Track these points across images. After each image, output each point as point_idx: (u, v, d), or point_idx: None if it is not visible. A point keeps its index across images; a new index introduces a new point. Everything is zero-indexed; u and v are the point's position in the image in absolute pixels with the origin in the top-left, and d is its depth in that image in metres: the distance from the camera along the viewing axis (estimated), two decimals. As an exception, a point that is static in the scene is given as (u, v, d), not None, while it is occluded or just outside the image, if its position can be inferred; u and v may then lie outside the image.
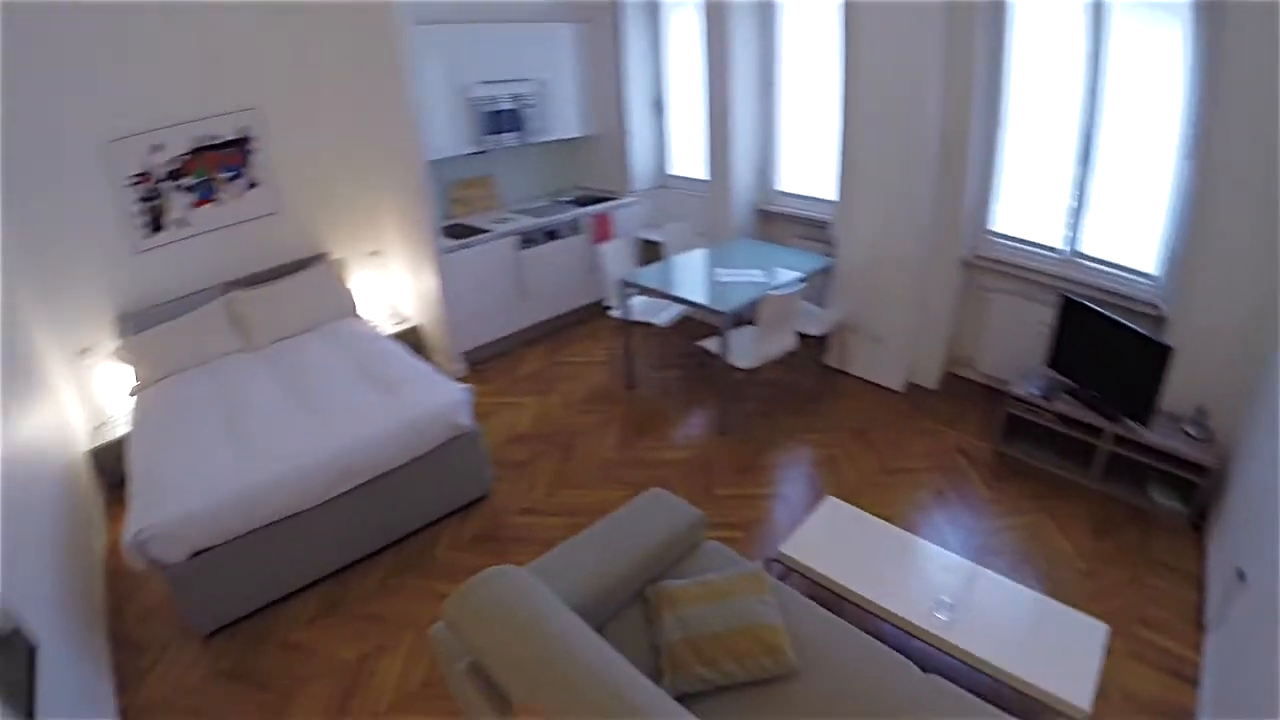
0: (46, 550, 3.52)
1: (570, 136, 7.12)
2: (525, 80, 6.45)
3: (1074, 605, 3.18)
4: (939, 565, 3.37)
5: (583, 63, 6.93)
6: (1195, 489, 4.19)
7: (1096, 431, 4.45)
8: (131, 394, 4.96)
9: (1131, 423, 4.32)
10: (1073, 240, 4.95)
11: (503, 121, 6.35)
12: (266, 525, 3.75)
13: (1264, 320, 3.96)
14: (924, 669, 2.59)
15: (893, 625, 3.10)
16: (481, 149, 6.33)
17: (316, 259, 5.93)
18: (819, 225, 6.09)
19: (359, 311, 5.87)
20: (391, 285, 6.56)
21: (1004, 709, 2.41)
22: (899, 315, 5.48)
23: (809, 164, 6.31)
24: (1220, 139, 3.95)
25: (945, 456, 4.87)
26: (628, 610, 2.85)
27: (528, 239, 6.38)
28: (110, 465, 4.93)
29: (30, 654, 2.74)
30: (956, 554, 3.51)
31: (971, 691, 2.50)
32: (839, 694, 2.46)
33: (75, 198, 4.91)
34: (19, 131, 4.59)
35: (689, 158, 7.21)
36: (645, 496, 3.26)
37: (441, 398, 4.32)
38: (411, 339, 6.22)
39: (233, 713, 3.39)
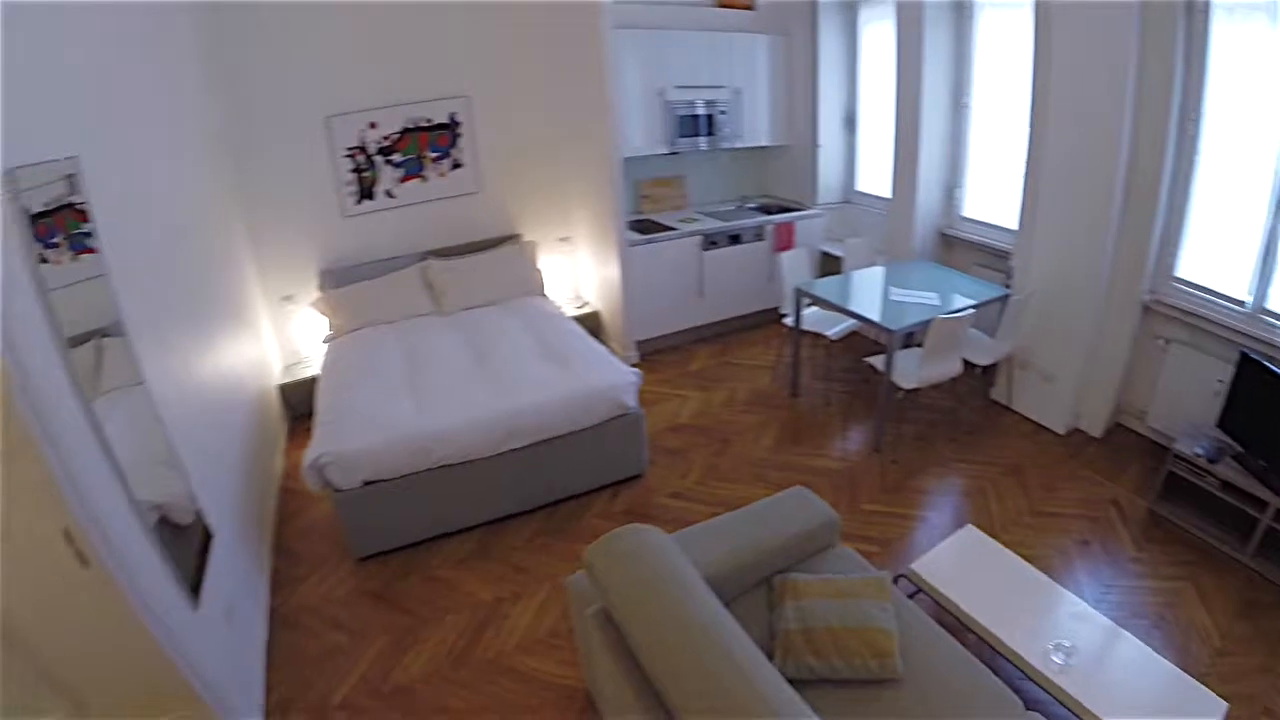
0: (234, 461, 4.11)
1: (760, 145, 7.30)
2: (720, 87, 6.69)
3: (1201, 680, 3.05)
4: (1066, 611, 3.29)
5: (777, 74, 7.09)
6: None
7: (1259, 503, 4.08)
8: (325, 341, 5.58)
9: None
10: (1260, 294, 4.55)
11: (696, 125, 6.61)
12: (433, 469, 4.16)
13: None
14: (1027, 707, 2.58)
15: (1007, 660, 3.07)
16: (673, 150, 6.60)
17: (510, 239, 6.42)
18: (999, 254, 6.01)
19: (545, 292, 6.29)
20: (576, 270, 6.95)
21: None
22: (1070, 355, 5.31)
23: (994, 190, 6.17)
24: None
25: (1097, 507, 4.69)
26: (753, 593, 3.00)
27: (711, 240, 6.60)
28: (295, 400, 5.71)
29: (206, 540, 3.24)
30: (1088, 605, 3.39)
31: None
32: (935, 711, 2.50)
33: (296, 164, 5.65)
34: (253, 103, 5.38)
35: (875, 175, 7.22)
36: (789, 492, 3.41)
37: (612, 378, 4.61)
38: (590, 323, 6.56)
39: (372, 626, 3.82)
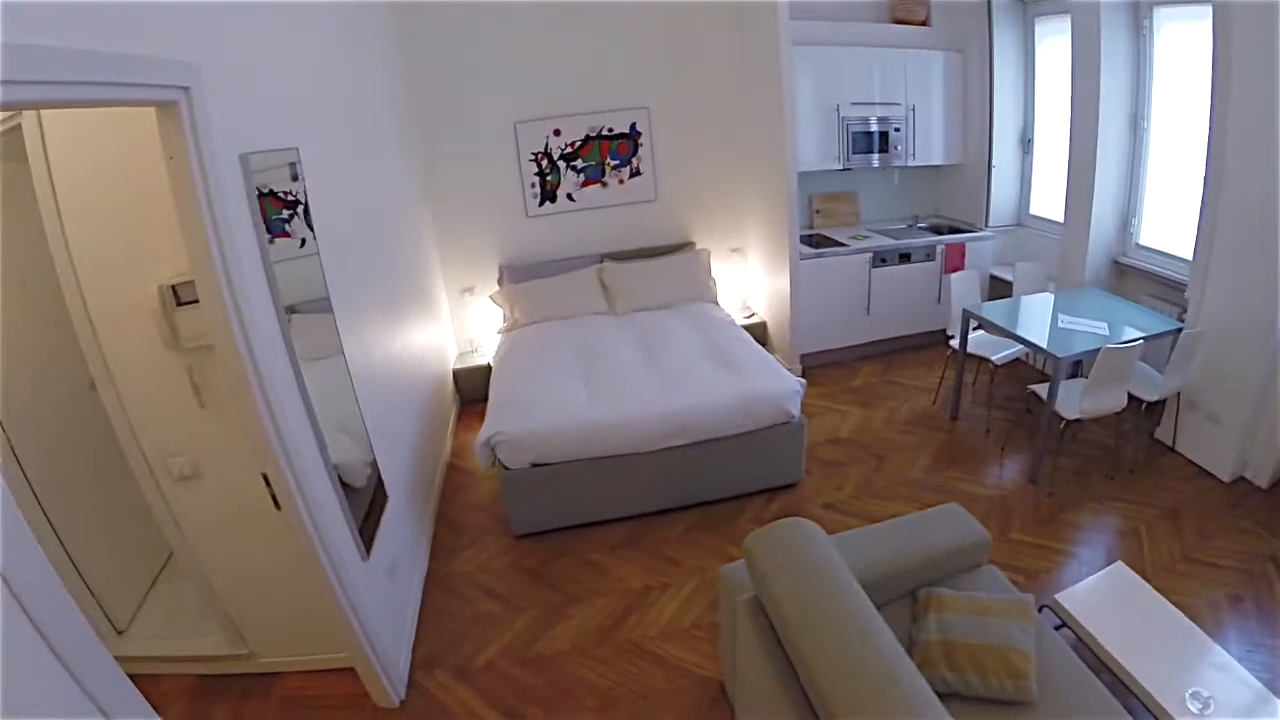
0: (410, 433, 4.61)
1: (933, 164, 7.35)
2: (894, 104, 6.80)
3: None
4: (1209, 661, 3.21)
5: (951, 91, 7.13)
6: None
7: None
8: (500, 332, 6.08)
9: None
10: None
11: (869, 142, 6.75)
12: (599, 458, 4.49)
13: None
14: None
15: (1141, 702, 3.05)
16: (846, 166, 6.75)
17: (684, 246, 6.75)
18: (1174, 286, 5.81)
19: (717, 299, 6.58)
20: (746, 280, 7.22)
21: None
22: (1241, 398, 5.05)
23: (1172, 218, 5.95)
24: None
25: (1255, 561, 4.49)
26: (898, 603, 3.14)
27: (880, 258, 6.71)
28: (466, 386, 6.31)
29: (383, 504, 3.71)
30: (1232, 658, 3.29)
31: None
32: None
33: (485, 165, 6.21)
34: (446, 107, 5.99)
35: (1049, 198, 7.12)
36: (943, 508, 3.53)
37: (778, 385, 4.82)
38: (756, 333, 6.76)
39: (523, 598, 4.19)
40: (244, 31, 2.81)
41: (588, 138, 6.34)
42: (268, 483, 2.74)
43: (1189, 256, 5.49)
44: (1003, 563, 4.19)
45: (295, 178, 3.05)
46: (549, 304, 6.13)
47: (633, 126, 6.43)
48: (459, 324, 6.61)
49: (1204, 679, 3.09)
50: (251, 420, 2.61)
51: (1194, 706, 2.94)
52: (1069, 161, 6.23)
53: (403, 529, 4.08)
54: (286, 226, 2.95)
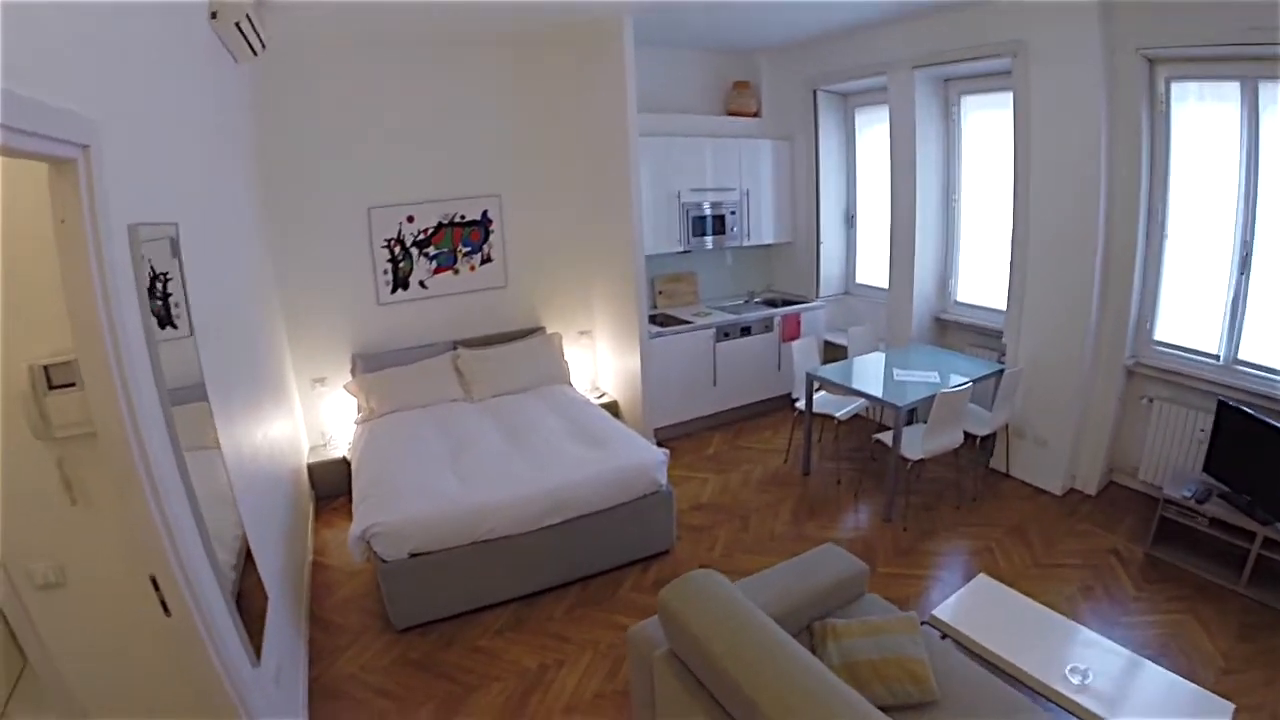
0: (279, 531, 4.36)
1: (766, 243, 7.83)
2: (729, 189, 7.25)
3: None
4: (1078, 640, 3.58)
5: (781, 175, 7.69)
6: None
7: (1248, 535, 4.50)
8: (356, 423, 5.94)
9: None
10: (1231, 346, 5.14)
11: (707, 225, 7.13)
12: (478, 542, 4.44)
13: None
14: None
15: (1026, 686, 3.29)
16: (687, 248, 7.10)
17: (535, 331, 6.84)
18: (992, 334, 6.43)
19: (570, 380, 6.67)
20: (596, 362, 7.37)
21: None
22: (1062, 420, 5.77)
23: (984, 275, 6.68)
24: None
25: (1097, 557, 5.04)
26: (796, 639, 3.20)
27: (723, 332, 7.03)
28: (322, 480, 6.08)
29: (264, 605, 3.44)
30: (1097, 635, 3.68)
31: None
32: (973, 722, 2.75)
33: (336, 251, 6.14)
34: (299, 192, 5.90)
35: (872, 267, 7.72)
36: (821, 549, 3.75)
37: (644, 456, 4.96)
38: (610, 412, 6.75)
39: (417, 695, 4.00)
40: (137, 89, 2.69)
41: (440, 225, 6.41)
42: (156, 587, 2.40)
43: (1002, 307, 6.15)
44: (876, 593, 4.42)
45: (175, 254, 2.88)
46: (405, 393, 6.05)
47: (485, 214, 6.57)
48: (311, 416, 6.37)
49: (1077, 655, 3.41)
50: (139, 517, 2.31)
51: (1074, 680, 3.23)
52: (891, 233, 6.82)
53: (284, 631, 3.81)
54: (167, 305, 2.75)
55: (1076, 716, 3.15)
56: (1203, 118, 5.07)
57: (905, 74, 6.34)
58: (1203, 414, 5.14)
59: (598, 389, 7.36)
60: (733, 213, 7.33)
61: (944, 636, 3.64)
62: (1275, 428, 4.46)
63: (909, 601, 4.58)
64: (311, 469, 6.12)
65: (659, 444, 6.55)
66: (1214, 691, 3.54)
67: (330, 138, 5.91)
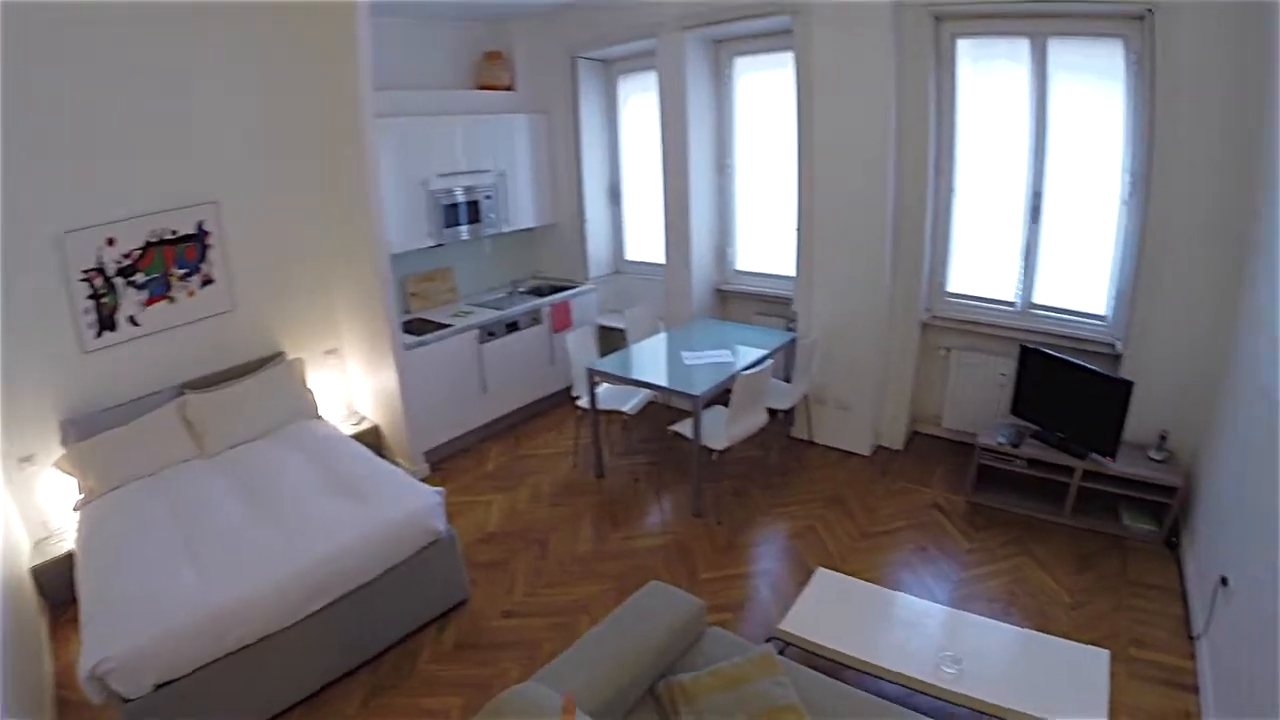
0: None
1: (527, 227, 7.22)
2: (483, 172, 6.56)
3: (1068, 637, 3.49)
4: (938, 621, 3.57)
5: (539, 153, 7.12)
6: (1166, 509, 4.56)
7: (1066, 470, 4.76)
8: (76, 508, 4.66)
9: (1099, 457, 4.66)
10: (1026, 292, 5.36)
11: (460, 214, 6.40)
12: (235, 651, 3.51)
13: (1214, 341, 4.46)
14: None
15: (901, 685, 3.18)
16: (439, 242, 6.34)
17: (273, 358, 5.76)
18: (779, 301, 6.28)
19: (320, 413, 5.70)
20: (349, 384, 6.40)
21: None
22: (863, 382, 5.72)
23: (766, 241, 6.53)
24: (1159, 183, 4.52)
25: (922, 513, 5.03)
26: (639, 710, 2.75)
27: (488, 331, 6.34)
28: (54, 584, 4.66)
29: None
30: (947, 606, 3.78)
31: None
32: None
33: (23, 293, 4.70)
34: None
35: (645, 243, 7.38)
36: (644, 591, 3.20)
37: (414, 502, 4.17)
38: (371, 439, 6.02)
39: None
40: None
41: (148, 245, 5.12)
42: None
43: (784, 272, 6.06)
44: (707, 603, 4.01)
45: None
46: (127, 460, 4.83)
47: (200, 226, 5.37)
48: (27, 506, 4.89)
49: (944, 639, 3.39)
50: None
51: (950, 669, 3.15)
52: (665, 206, 6.46)
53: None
54: None
55: (952, 703, 3.11)
56: (993, 74, 5.28)
57: (676, 35, 5.99)
58: (1000, 359, 5.37)
59: (355, 414, 6.42)
60: (488, 197, 6.65)
61: (784, 649, 3.38)
62: (1077, 365, 4.74)
63: (744, 608, 4.25)
64: (37, 572, 4.71)
65: (433, 467, 5.92)
66: (1070, 626, 3.92)
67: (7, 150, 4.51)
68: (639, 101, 7.07)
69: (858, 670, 3.28)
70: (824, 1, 5.15)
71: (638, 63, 6.87)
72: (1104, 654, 3.26)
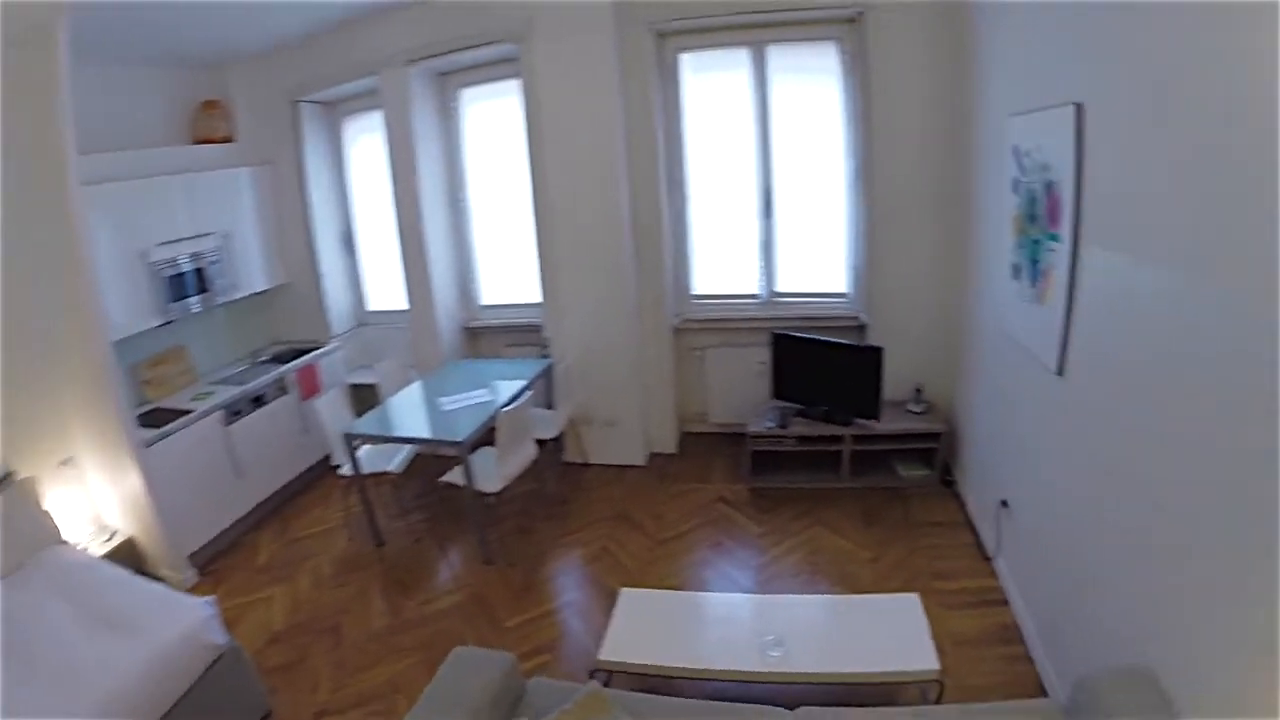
0: None
1: (261, 289, 6.75)
2: (207, 235, 6.04)
3: (876, 590, 3.82)
4: (751, 610, 3.70)
5: (266, 208, 6.69)
6: (934, 454, 5.21)
7: (836, 439, 5.26)
8: None
9: (864, 420, 5.19)
10: (769, 284, 5.89)
11: (187, 284, 5.86)
12: None
13: (948, 297, 5.35)
14: (790, 708, 2.74)
15: (735, 681, 3.24)
16: (168, 319, 5.76)
17: (1, 481, 5.12)
18: (530, 330, 6.35)
19: (64, 537, 4.94)
20: (91, 496, 5.50)
21: (873, 703, 2.71)
22: (625, 395, 5.91)
23: (510, 272, 6.60)
24: (879, 166, 5.29)
25: (708, 510, 5.25)
26: None
27: (233, 411, 5.82)
28: None
29: None
30: (756, 593, 3.98)
31: (839, 703, 2.74)
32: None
33: None
34: None
35: (387, 290, 7.18)
36: (449, 662, 3.05)
37: (185, 620, 3.71)
38: (127, 555, 5.28)
39: None
40: None
41: None
42: None
43: (532, 300, 6.17)
44: (517, 651, 3.87)
45: None
46: None
47: None
48: None
49: (762, 626, 3.46)
50: None
51: (775, 654, 3.23)
52: (402, 249, 6.37)
53: None
54: None
55: (782, 684, 3.22)
56: (717, 82, 5.78)
57: (399, 71, 5.92)
58: (755, 349, 5.79)
59: (104, 530, 5.47)
60: (215, 262, 6.10)
61: (610, 679, 3.40)
62: (828, 342, 5.28)
63: (557, 646, 4.25)
64: None
65: (200, 571, 5.41)
66: (875, 580, 4.29)
67: None
68: (367, 142, 6.85)
69: (689, 679, 3.31)
70: (549, 26, 5.32)
71: (362, 102, 6.67)
72: (914, 597, 3.51)
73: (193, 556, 5.47)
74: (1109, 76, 2.85)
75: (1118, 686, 2.42)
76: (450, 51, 5.75)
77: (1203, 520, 2.25)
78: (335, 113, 6.97)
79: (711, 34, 5.57)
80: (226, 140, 6.51)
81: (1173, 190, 2.37)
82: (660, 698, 2.92)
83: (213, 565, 5.55)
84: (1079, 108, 3.04)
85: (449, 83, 6.33)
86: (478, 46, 5.65)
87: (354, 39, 6.06)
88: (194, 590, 4.89)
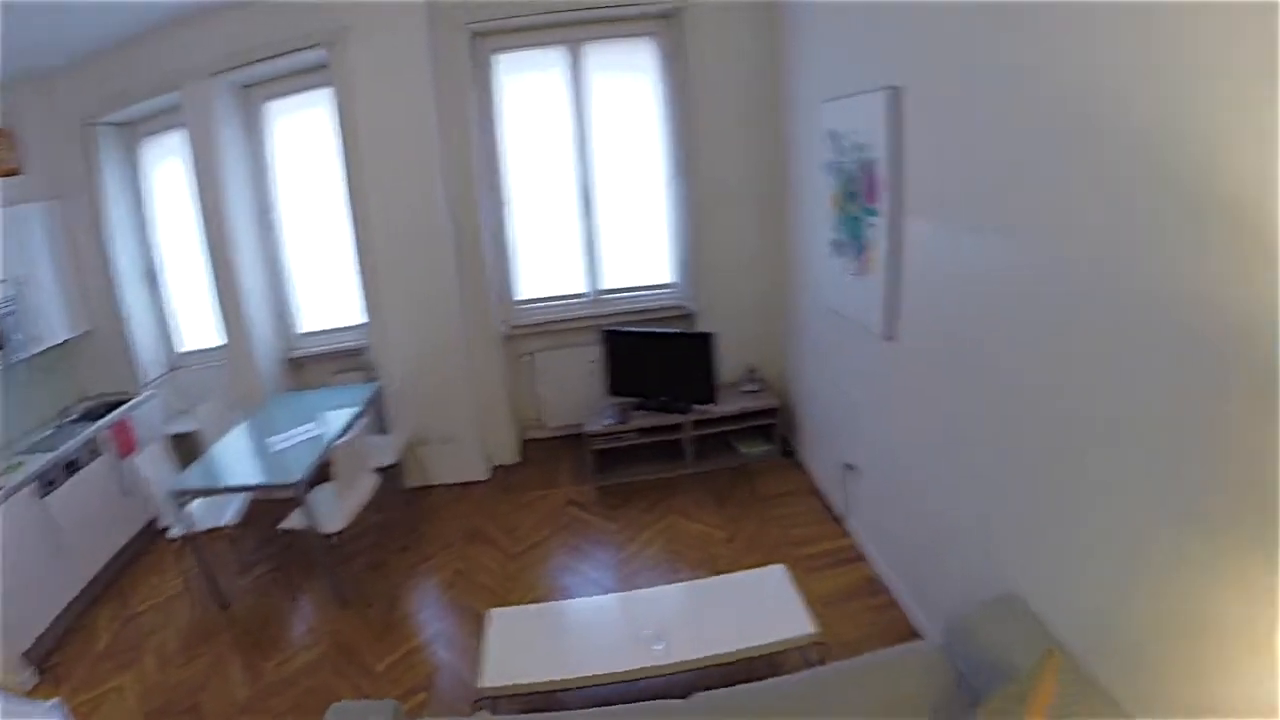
0: None
1: (61, 340, 6.10)
2: (-1, 283, 5.39)
3: (740, 567, 3.89)
4: (623, 609, 3.77)
5: (61, 247, 6.07)
6: (773, 429, 5.47)
7: (677, 428, 5.42)
8: None
9: (702, 406, 5.38)
10: (594, 281, 5.98)
11: (-25, 345, 5.21)
12: None
13: (771, 281, 5.65)
14: (683, 697, 2.78)
15: (623, 682, 3.24)
16: (-37, 387, 5.14)
17: None
18: (355, 354, 6.20)
19: None
20: None
21: (761, 676, 2.79)
22: (459, 410, 5.85)
23: (330, 294, 6.38)
24: (700, 159, 5.49)
25: (560, 515, 5.27)
26: None
27: (46, 481, 5.24)
28: None
29: None
30: (623, 591, 4.03)
31: (728, 683, 2.81)
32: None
33: None
34: None
35: (199, 326, 6.73)
36: (328, 715, 2.86)
37: None
38: None
39: None
40: None
41: None
42: None
43: (354, 322, 6.08)
44: (393, 694, 3.91)
45: None
46: None
47: None
48: None
49: (637, 623, 3.54)
50: None
51: (658, 647, 3.30)
52: (213, 279, 5.99)
53: None
54: None
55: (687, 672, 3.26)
56: (532, 82, 5.82)
57: (202, 85, 5.56)
58: (586, 348, 5.86)
59: None
60: (10, 314, 5.48)
61: (495, 705, 3.35)
62: (658, 333, 5.44)
63: (433, 682, 4.11)
64: None
65: (39, 669, 4.89)
66: (736, 557, 4.42)
67: None
68: (168, 167, 6.37)
69: (576, 689, 3.31)
70: (362, 30, 5.17)
71: (161, 121, 6.20)
72: (780, 568, 3.68)
73: (28, 654, 4.90)
74: (924, 62, 3.15)
75: (989, 616, 2.62)
76: (260, 60, 5.46)
77: (1038, 451, 2.56)
78: (133, 135, 6.43)
79: (527, 33, 5.59)
80: (12, 173, 5.84)
81: (984, 161, 2.71)
82: (551, 714, 2.90)
83: (51, 660, 5.02)
84: (896, 91, 3.35)
85: (254, 96, 6.03)
86: (289, 53, 5.40)
87: (155, 51, 5.61)
88: (35, 693, 4.50)
